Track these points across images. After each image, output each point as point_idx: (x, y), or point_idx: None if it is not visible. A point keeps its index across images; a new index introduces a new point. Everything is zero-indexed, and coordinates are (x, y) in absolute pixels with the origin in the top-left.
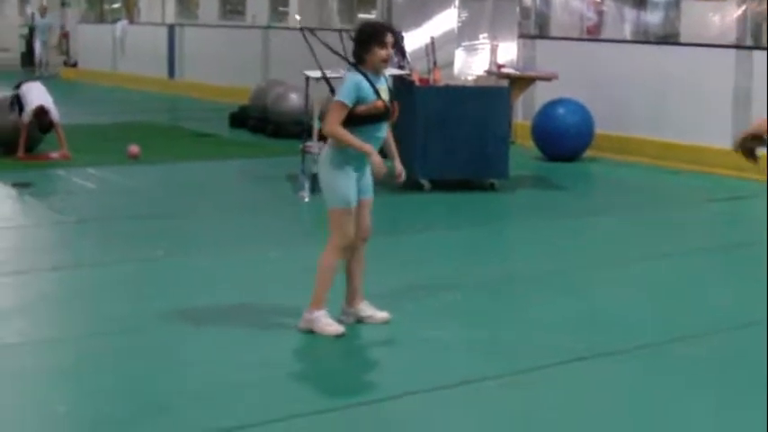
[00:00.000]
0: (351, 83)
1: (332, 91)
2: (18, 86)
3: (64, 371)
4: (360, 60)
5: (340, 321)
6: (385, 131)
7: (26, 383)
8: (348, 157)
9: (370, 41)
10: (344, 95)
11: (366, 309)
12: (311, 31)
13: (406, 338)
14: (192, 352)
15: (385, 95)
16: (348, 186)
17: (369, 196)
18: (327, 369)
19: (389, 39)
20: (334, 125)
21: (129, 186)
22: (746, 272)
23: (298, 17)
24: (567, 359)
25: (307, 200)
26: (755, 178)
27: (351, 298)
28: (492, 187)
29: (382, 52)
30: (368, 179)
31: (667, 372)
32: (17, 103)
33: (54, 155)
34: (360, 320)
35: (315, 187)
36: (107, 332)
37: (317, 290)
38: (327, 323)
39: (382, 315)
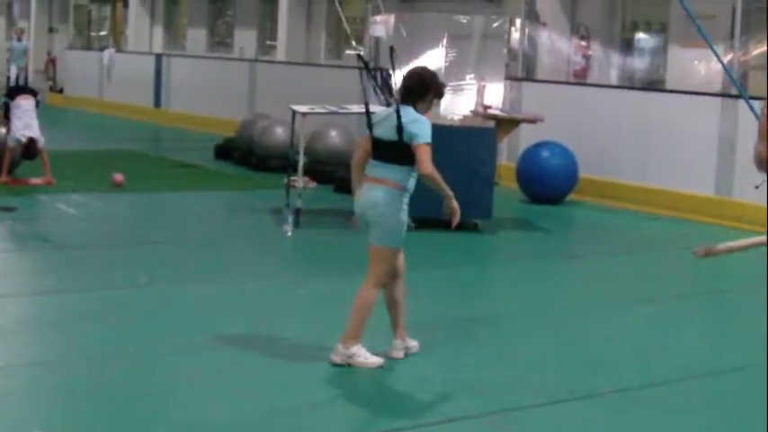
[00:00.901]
0: (428, 124)
1: (369, 126)
2: (10, 94)
3: (43, 395)
4: (418, 101)
5: (388, 355)
6: None
7: (6, 406)
8: (408, 200)
9: (438, 92)
10: (429, 136)
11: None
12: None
13: (390, 375)
14: (171, 380)
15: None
16: (405, 228)
17: None
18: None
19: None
20: (432, 166)
21: (112, 214)
22: (725, 318)
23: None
24: (548, 401)
25: (290, 234)
26: (735, 226)
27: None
28: (476, 227)
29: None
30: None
31: (646, 416)
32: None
33: (38, 180)
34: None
35: (298, 221)
36: (87, 357)
37: (355, 323)
38: (367, 356)
39: (414, 343)
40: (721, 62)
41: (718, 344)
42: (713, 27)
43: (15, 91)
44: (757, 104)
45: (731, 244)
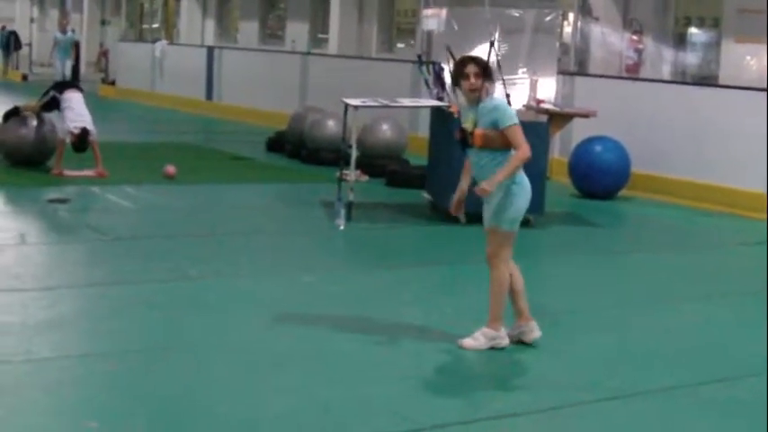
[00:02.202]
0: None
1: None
2: (58, 88)
3: (97, 386)
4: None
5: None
6: (476, 158)
7: (60, 398)
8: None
9: (456, 76)
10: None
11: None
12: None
13: (438, 369)
14: (225, 373)
15: (468, 124)
16: None
17: None
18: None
19: (470, 69)
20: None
21: (164, 206)
22: None
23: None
24: (601, 397)
25: (342, 228)
26: None
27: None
28: (527, 223)
29: (465, 83)
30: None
31: (698, 414)
32: (56, 107)
33: (90, 172)
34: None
35: (350, 215)
36: (141, 349)
37: (500, 307)
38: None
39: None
40: None
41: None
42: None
43: (63, 86)
44: None
45: None
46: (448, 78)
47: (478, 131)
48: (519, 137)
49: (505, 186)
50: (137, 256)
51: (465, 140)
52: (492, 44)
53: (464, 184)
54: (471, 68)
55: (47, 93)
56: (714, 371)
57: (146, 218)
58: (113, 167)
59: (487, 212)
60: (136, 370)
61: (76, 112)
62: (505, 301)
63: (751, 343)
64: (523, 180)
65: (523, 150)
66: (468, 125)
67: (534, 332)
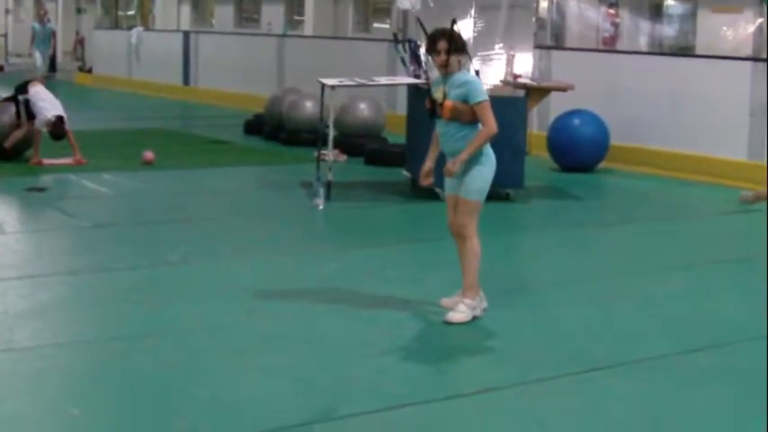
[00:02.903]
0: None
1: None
2: (21, 88)
3: (79, 374)
4: None
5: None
6: (444, 129)
7: (41, 386)
8: None
9: (427, 50)
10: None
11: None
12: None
13: (422, 346)
14: (207, 356)
15: (438, 95)
16: None
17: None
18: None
19: (441, 46)
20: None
21: (143, 192)
22: (760, 284)
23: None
24: (584, 368)
25: (321, 207)
26: None
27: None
28: (507, 197)
29: (436, 59)
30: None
31: (684, 382)
32: (23, 105)
33: (69, 160)
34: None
35: (329, 195)
36: (123, 336)
37: (475, 275)
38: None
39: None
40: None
41: (754, 310)
42: None
43: (23, 85)
44: None
45: None
46: (424, 56)
47: (448, 103)
48: (487, 113)
49: (473, 157)
50: (116, 243)
51: (434, 110)
52: (453, 21)
53: (432, 154)
54: (442, 44)
55: (13, 100)
56: (703, 338)
57: (125, 204)
58: (91, 155)
59: (452, 181)
60: (118, 357)
61: (49, 101)
62: (478, 269)
63: (738, 309)
64: (490, 152)
65: (490, 127)
66: (438, 96)
67: (483, 302)
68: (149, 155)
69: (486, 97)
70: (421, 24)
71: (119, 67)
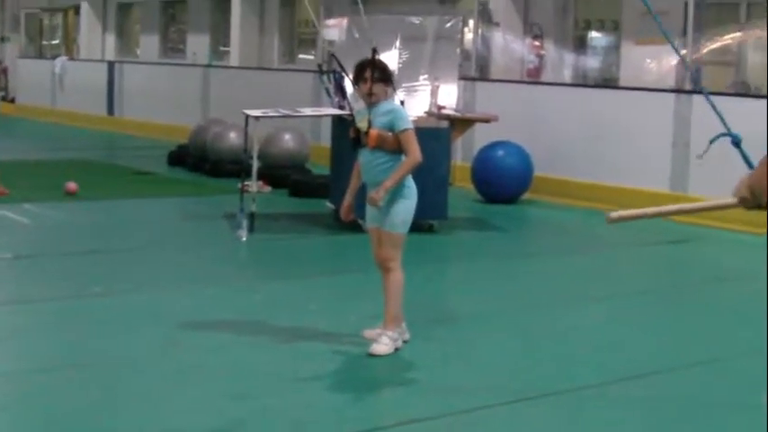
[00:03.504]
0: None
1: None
2: None
3: (1, 407)
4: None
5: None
6: (368, 158)
7: None
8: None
9: (355, 79)
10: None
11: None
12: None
13: (345, 378)
14: (129, 388)
15: (362, 124)
16: None
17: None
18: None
19: (368, 74)
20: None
21: (66, 222)
22: (684, 314)
23: None
24: (508, 400)
25: (244, 239)
26: (691, 222)
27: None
28: (431, 229)
29: (363, 87)
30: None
31: (606, 413)
32: None
33: None
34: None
35: (252, 226)
36: (44, 369)
37: (398, 307)
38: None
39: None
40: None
41: (676, 340)
42: (665, 23)
43: None
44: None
45: (646, 210)
46: (349, 87)
47: (373, 132)
48: (412, 142)
49: (396, 189)
50: (39, 275)
51: (358, 140)
52: (374, 51)
53: (353, 189)
54: (369, 73)
55: None
56: (625, 369)
57: (47, 235)
58: (13, 185)
59: (373, 211)
60: (40, 390)
61: None
62: (401, 301)
63: (653, 341)
64: (412, 183)
65: (414, 156)
66: (362, 125)
67: (405, 334)
68: (72, 185)
69: (412, 126)
70: (336, 59)
71: (43, 96)
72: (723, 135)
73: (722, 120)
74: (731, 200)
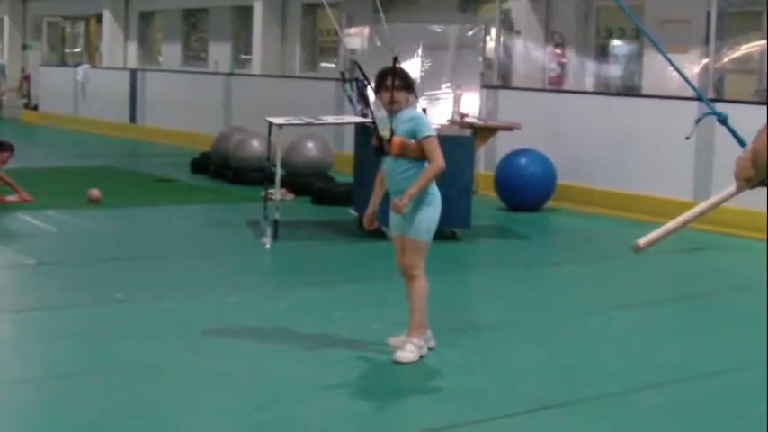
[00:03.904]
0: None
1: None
2: None
3: (23, 413)
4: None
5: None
6: (392, 166)
7: None
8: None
9: (376, 87)
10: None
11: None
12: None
13: (369, 385)
14: (152, 396)
15: (385, 132)
16: None
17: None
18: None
19: (388, 83)
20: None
21: (89, 230)
22: (705, 323)
23: None
24: (530, 408)
25: (268, 246)
26: (713, 230)
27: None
28: (454, 236)
29: (385, 95)
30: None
31: (628, 421)
32: None
33: (13, 198)
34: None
35: (276, 234)
36: (67, 375)
37: (423, 314)
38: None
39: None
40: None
41: (697, 349)
42: (688, 32)
43: None
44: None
45: (667, 227)
46: (371, 95)
47: (396, 139)
48: (435, 149)
49: (420, 196)
50: (62, 281)
51: (381, 148)
52: (396, 59)
53: (377, 197)
54: (390, 81)
55: None
56: (648, 377)
57: (70, 242)
58: (37, 192)
59: (397, 219)
60: (63, 396)
61: None
62: (426, 309)
63: (681, 348)
64: (436, 191)
65: (438, 162)
66: (385, 133)
67: (431, 341)
68: (95, 193)
69: (434, 133)
70: (359, 67)
71: (65, 104)
72: (708, 114)
73: (705, 101)
74: (733, 187)
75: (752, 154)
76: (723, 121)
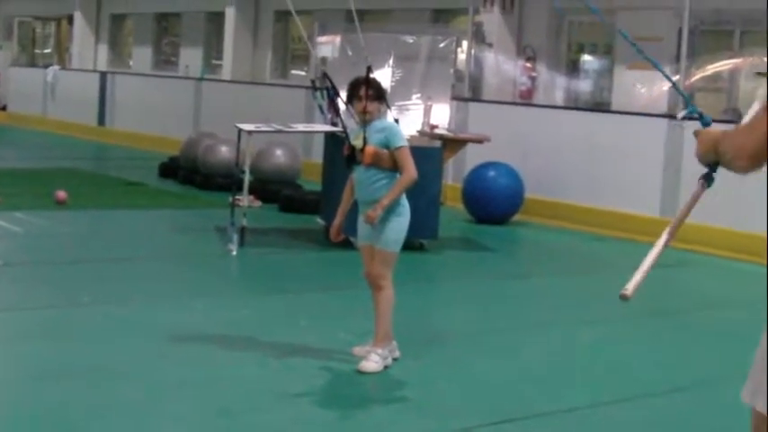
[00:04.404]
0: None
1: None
2: None
3: None
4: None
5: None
6: (363, 176)
7: None
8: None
9: (348, 96)
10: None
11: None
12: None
13: (333, 395)
14: (116, 399)
15: (358, 142)
16: None
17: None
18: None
19: (363, 92)
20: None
21: (56, 232)
22: (673, 339)
23: None
24: (496, 420)
25: (234, 253)
26: (680, 247)
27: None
28: (421, 247)
29: (357, 105)
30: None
31: None
32: None
33: None
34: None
35: (243, 240)
36: (31, 377)
37: (389, 324)
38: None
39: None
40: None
41: (665, 364)
42: (659, 49)
43: None
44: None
45: (647, 263)
46: (341, 104)
47: (369, 149)
48: (408, 159)
49: (391, 207)
50: (27, 283)
51: (353, 157)
52: (369, 69)
53: (344, 208)
54: (364, 91)
55: None
56: (614, 392)
57: (36, 244)
58: (4, 193)
59: (366, 229)
60: (26, 398)
61: None
62: (392, 319)
63: (647, 363)
64: (405, 202)
65: (410, 173)
66: (357, 142)
67: (396, 352)
68: (62, 194)
69: (407, 143)
70: (329, 79)
71: (34, 105)
72: (692, 111)
73: (688, 101)
74: (697, 188)
75: (730, 144)
76: (707, 124)
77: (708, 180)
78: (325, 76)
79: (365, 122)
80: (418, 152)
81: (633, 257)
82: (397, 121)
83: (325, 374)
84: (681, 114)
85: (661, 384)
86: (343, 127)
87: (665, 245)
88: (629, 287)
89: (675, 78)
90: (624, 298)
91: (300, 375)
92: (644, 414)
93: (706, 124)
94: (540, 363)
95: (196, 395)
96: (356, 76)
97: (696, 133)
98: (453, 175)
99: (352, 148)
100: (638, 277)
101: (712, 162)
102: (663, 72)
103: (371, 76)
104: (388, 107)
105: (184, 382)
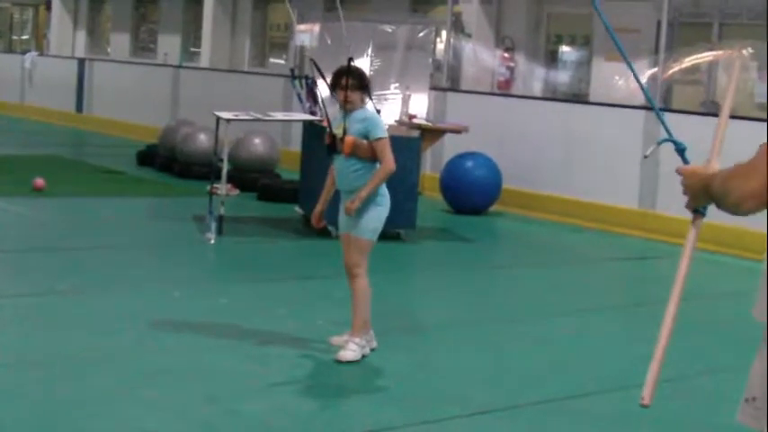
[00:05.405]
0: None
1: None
2: None
3: None
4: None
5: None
6: (342, 165)
7: None
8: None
9: (332, 85)
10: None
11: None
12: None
13: (312, 384)
14: (88, 390)
15: (338, 130)
16: None
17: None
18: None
19: (344, 82)
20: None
21: (33, 219)
22: (649, 331)
23: None
24: (472, 411)
25: (212, 242)
26: (658, 239)
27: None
28: (399, 237)
29: (340, 94)
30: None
31: (569, 428)
32: None
33: None
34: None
35: (221, 229)
36: (8, 364)
37: (366, 313)
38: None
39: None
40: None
41: (641, 357)
42: (637, 41)
43: None
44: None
45: (659, 351)
46: (320, 93)
47: (349, 138)
48: (386, 150)
49: (370, 197)
50: (4, 271)
51: (333, 146)
52: (351, 59)
53: (326, 194)
54: (345, 80)
55: None
56: (590, 384)
57: (14, 231)
58: None
59: (345, 219)
60: (3, 387)
61: None
62: (369, 309)
63: (618, 357)
64: (385, 191)
65: (388, 164)
66: (338, 131)
67: (373, 342)
68: (40, 182)
69: (386, 134)
70: (315, 65)
71: (11, 92)
72: (668, 140)
73: (667, 130)
74: (694, 225)
75: (720, 187)
76: (681, 151)
77: (702, 213)
78: (312, 62)
79: (347, 112)
80: (396, 142)
81: (609, 249)
82: (379, 111)
83: (303, 363)
84: (649, 150)
85: (639, 376)
86: (326, 115)
87: (675, 305)
88: (647, 393)
89: (653, 70)
90: (645, 405)
91: (279, 364)
92: (618, 407)
93: (681, 151)
94: (518, 354)
95: (175, 383)
96: (340, 65)
97: (679, 171)
98: (431, 164)
99: (333, 137)
100: (650, 376)
101: (701, 207)
102: (632, 68)
103: (355, 65)
104: (370, 97)
105: (163, 370)
